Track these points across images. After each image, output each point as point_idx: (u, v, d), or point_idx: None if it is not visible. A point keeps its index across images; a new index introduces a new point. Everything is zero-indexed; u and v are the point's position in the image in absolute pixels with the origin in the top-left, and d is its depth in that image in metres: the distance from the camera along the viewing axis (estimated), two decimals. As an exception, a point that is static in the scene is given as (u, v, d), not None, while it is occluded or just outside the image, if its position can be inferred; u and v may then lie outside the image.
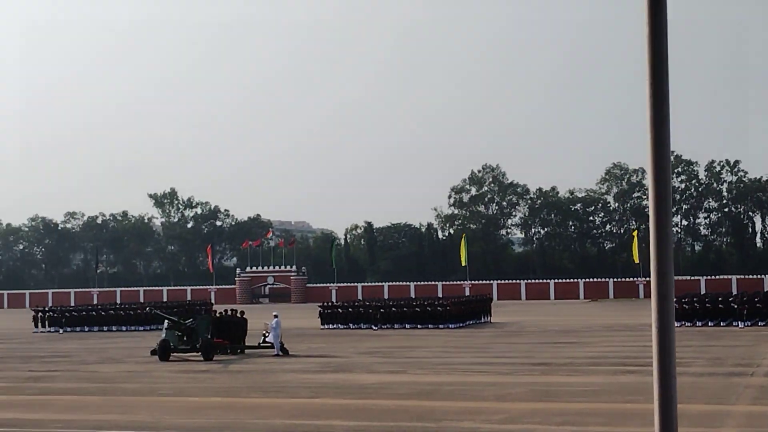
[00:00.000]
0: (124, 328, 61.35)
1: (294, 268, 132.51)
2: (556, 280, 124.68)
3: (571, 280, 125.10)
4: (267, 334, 39.20)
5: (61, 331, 61.20)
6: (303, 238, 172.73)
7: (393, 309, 58.25)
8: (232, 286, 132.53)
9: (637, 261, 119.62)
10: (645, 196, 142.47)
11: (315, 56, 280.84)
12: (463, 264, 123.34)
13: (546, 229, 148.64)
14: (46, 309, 66.91)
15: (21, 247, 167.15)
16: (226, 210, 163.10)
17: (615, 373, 28.39)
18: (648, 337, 36.12)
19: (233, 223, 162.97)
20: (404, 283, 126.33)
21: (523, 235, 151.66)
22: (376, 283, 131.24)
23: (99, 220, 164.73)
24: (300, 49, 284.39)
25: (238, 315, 41.05)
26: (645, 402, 21.71)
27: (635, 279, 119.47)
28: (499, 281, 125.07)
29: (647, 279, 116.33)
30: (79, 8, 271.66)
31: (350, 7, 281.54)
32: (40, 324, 63.05)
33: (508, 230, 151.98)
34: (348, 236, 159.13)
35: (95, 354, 40.94)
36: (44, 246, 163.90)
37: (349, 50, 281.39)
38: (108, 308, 67.36)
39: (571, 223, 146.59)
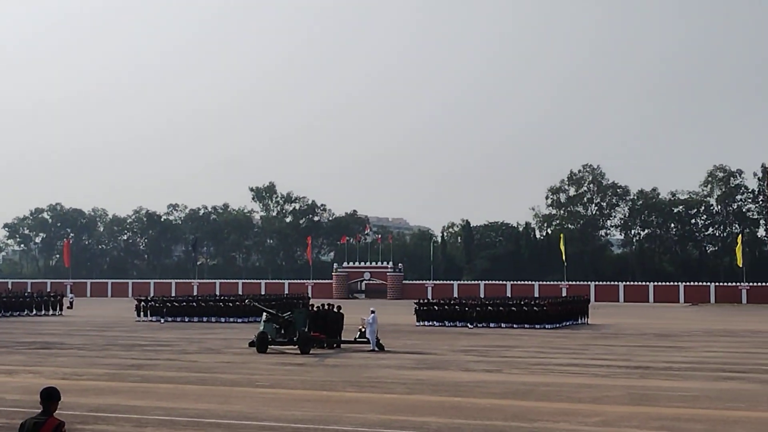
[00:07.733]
0: (222, 320, 62.33)
1: (390, 264, 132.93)
2: (656, 283, 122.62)
3: (671, 283, 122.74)
4: (363, 330, 39.45)
5: (162, 320, 62.54)
6: (400, 235, 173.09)
7: (489, 308, 58.07)
8: (329, 281, 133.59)
9: (740, 265, 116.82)
10: (749, 199, 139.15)
11: (417, 59, 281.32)
12: (564, 262, 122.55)
13: (646, 231, 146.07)
14: (148, 299, 68.27)
15: (125, 237, 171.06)
16: (323, 205, 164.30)
17: (715, 379, 27.80)
18: (751, 343, 35.37)
19: (331, 218, 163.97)
20: (501, 282, 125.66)
21: (622, 237, 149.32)
22: (473, 282, 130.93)
23: (200, 213, 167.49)
24: (407, 50, 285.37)
25: (335, 310, 41.34)
26: (747, 409, 21.22)
27: (738, 284, 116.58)
28: (597, 282, 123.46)
29: (751, 284, 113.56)
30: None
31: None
32: (142, 313, 64.58)
33: (607, 231, 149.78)
34: (445, 234, 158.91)
35: (195, 344, 41.74)
36: (147, 237, 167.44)
37: (451, 50, 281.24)
38: (208, 299, 68.49)
39: (672, 225, 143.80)
